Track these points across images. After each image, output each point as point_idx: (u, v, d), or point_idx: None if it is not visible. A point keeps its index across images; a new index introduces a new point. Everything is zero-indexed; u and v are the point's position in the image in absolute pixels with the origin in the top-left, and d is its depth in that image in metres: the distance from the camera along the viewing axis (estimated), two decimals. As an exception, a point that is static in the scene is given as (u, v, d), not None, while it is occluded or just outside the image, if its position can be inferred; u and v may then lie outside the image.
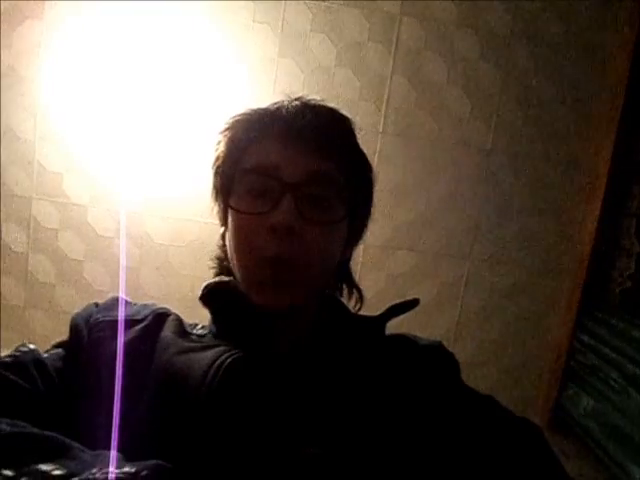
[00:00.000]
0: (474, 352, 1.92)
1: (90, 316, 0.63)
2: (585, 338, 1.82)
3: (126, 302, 0.67)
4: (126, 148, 1.79)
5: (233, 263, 0.62)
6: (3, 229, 1.84)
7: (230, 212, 0.61)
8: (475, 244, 1.91)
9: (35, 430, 0.48)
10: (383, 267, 1.85)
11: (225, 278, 0.64)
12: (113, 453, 0.47)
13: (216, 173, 0.66)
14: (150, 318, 0.64)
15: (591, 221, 1.85)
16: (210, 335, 0.64)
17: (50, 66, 1.76)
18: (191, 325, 0.67)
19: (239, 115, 0.65)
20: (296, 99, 0.64)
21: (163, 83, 1.77)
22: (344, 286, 0.71)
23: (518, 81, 1.84)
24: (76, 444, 0.48)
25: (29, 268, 1.87)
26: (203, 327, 0.66)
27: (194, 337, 0.63)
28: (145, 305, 0.67)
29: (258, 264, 0.57)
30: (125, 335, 0.60)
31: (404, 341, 0.66)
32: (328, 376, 0.57)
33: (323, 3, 1.77)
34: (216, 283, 0.64)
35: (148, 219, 1.84)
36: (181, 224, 1.84)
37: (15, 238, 1.85)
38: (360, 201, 0.65)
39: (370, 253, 1.80)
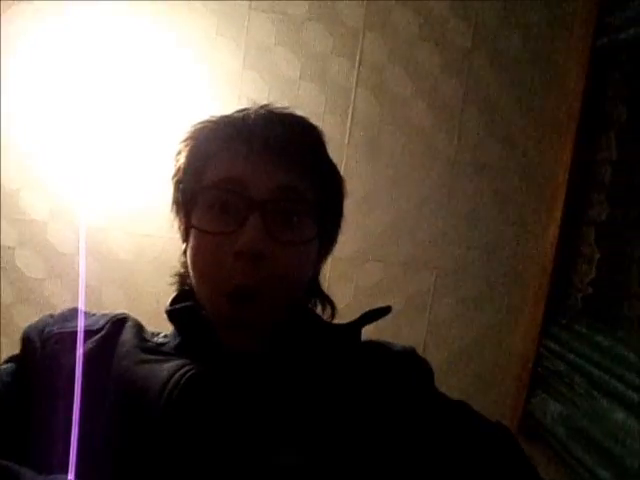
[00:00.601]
0: (442, 362, 1.93)
1: (44, 328, 0.59)
2: (550, 344, 1.85)
3: (84, 313, 0.63)
4: (86, 161, 1.75)
5: (195, 285, 0.58)
6: (-44, 248, 1.76)
7: (192, 230, 0.57)
8: (442, 254, 1.93)
9: None
10: (351, 279, 1.84)
11: (187, 303, 0.60)
12: (67, 478, 0.44)
13: (176, 186, 0.61)
14: (108, 327, 0.60)
15: (552, 229, 1.90)
16: (171, 344, 0.60)
17: (5, 79, 1.71)
18: (153, 333, 0.64)
19: (201, 123, 0.61)
20: (262, 107, 0.60)
21: (125, 95, 1.73)
22: (315, 300, 0.68)
23: (480, 93, 1.88)
24: (25, 469, 0.45)
25: (-16, 288, 1.79)
26: (165, 336, 0.63)
27: (152, 345, 0.60)
28: (103, 314, 0.63)
29: (221, 294, 0.53)
30: (82, 347, 0.57)
31: (378, 347, 0.63)
32: (298, 384, 0.55)
33: (287, 17, 1.78)
34: (179, 309, 0.61)
35: (110, 234, 1.79)
36: (144, 239, 1.79)
37: (-31, 257, 1.77)
38: (331, 215, 0.62)
39: (338, 265, 1.80)
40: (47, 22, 1.70)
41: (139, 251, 1.80)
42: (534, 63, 1.88)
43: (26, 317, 1.80)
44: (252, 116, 0.58)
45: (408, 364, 0.62)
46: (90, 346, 0.57)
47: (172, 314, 0.62)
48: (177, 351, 0.58)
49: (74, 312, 0.62)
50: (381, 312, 0.62)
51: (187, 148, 0.60)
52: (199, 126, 0.61)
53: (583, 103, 1.82)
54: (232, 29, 1.76)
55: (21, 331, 0.61)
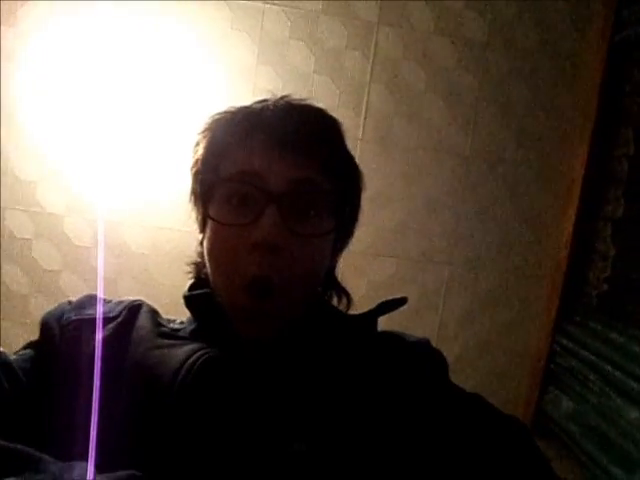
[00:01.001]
0: (455, 357, 1.92)
1: (62, 315, 0.60)
2: (564, 341, 1.84)
3: (101, 300, 0.63)
4: (102, 155, 1.76)
5: (211, 275, 0.58)
6: (-25, 240, 1.79)
7: (209, 221, 0.57)
8: (455, 250, 1.92)
9: None
10: (364, 274, 1.85)
11: (205, 290, 0.61)
12: (86, 466, 0.44)
13: (194, 178, 0.61)
14: (124, 313, 0.60)
15: (567, 225, 1.88)
16: (187, 330, 0.61)
17: (23, 74, 1.73)
18: (168, 320, 0.64)
19: (219, 114, 0.60)
20: (281, 98, 0.60)
21: (141, 90, 1.74)
22: (331, 292, 0.68)
23: (495, 88, 1.86)
24: (45, 456, 0.45)
25: (3, 280, 1.82)
26: (182, 322, 0.63)
27: (168, 330, 0.60)
28: (120, 301, 0.63)
29: (239, 287, 0.53)
30: (100, 333, 0.57)
31: (393, 337, 0.64)
32: (313, 372, 0.55)
33: (301, 11, 1.78)
34: (196, 295, 0.61)
35: (126, 228, 1.81)
36: (160, 232, 1.81)
37: (-12, 249, 1.80)
38: (348, 208, 0.61)
39: (351, 260, 1.80)
40: (63, 17, 1.71)
41: (154, 244, 1.82)
42: (550, 58, 1.86)
43: (42, 308, 1.82)
44: (270, 107, 0.58)
45: (423, 355, 0.62)
46: (108, 332, 0.58)
47: (189, 300, 0.62)
48: (192, 336, 0.59)
49: (91, 299, 0.62)
50: (397, 303, 0.62)
51: (205, 140, 0.60)
52: (217, 117, 0.60)
53: (600, 98, 1.80)
54: (247, 23, 1.77)
55: (37, 322, 0.61)
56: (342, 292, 0.67)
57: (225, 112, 0.60)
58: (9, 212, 1.79)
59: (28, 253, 1.82)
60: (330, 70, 1.81)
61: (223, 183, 0.56)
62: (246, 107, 0.59)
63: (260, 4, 1.76)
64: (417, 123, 1.85)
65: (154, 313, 0.63)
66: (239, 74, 1.78)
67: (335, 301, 0.67)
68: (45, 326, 0.59)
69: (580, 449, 1.65)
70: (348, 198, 0.61)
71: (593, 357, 1.68)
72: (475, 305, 1.95)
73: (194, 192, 0.62)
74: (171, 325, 0.62)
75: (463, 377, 1.98)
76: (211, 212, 0.56)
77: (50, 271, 1.83)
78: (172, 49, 1.75)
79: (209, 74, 1.77)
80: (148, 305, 0.64)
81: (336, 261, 0.67)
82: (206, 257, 0.58)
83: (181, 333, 0.60)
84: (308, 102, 0.60)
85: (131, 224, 1.80)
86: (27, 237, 1.81)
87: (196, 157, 0.61)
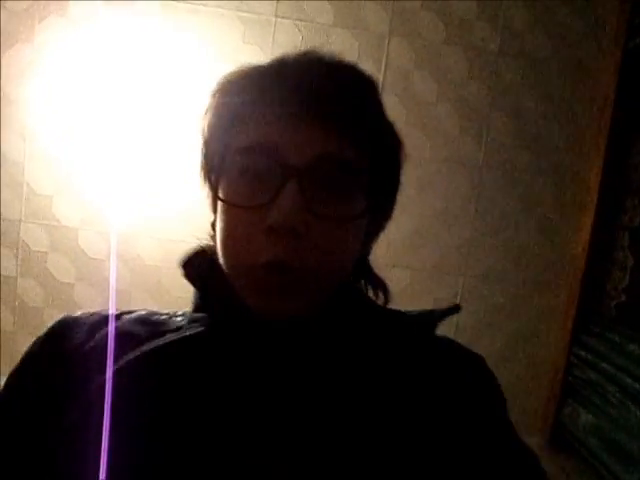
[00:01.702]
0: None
1: (38, 351, 0.54)
2: (582, 353, 1.81)
3: (73, 321, 0.55)
4: (116, 169, 1.78)
5: (223, 262, 0.50)
6: (-9, 253, 1.82)
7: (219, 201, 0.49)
8: (469, 260, 1.90)
9: None
10: (377, 285, 1.83)
11: (203, 249, 0.54)
12: None
13: (204, 149, 0.53)
14: (94, 338, 0.51)
15: (584, 235, 1.85)
16: (186, 317, 0.54)
17: (40, 89, 1.76)
18: (168, 314, 0.57)
19: (232, 74, 0.51)
20: (305, 53, 0.50)
21: (154, 104, 1.76)
22: (365, 283, 0.59)
23: (507, 97, 1.85)
24: None
25: (18, 292, 1.84)
26: (184, 314, 0.56)
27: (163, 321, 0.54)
28: (92, 322, 0.54)
29: (251, 270, 0.46)
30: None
31: (448, 344, 0.57)
32: (334, 368, 0.47)
33: (313, 24, 1.79)
34: (195, 254, 0.55)
35: (139, 241, 1.82)
36: (173, 245, 1.82)
37: (4, 262, 1.82)
38: (385, 186, 0.52)
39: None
40: (79, 34, 1.74)
41: (167, 256, 1.83)
42: (563, 65, 1.85)
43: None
44: (291, 64, 0.49)
45: (477, 377, 0.55)
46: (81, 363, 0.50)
47: (187, 266, 0.55)
48: (196, 311, 0.53)
49: (68, 323, 0.55)
50: (451, 311, 0.57)
51: (215, 104, 0.51)
52: (229, 77, 0.51)
53: (615, 105, 1.78)
54: (259, 37, 1.78)
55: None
56: (377, 283, 0.59)
57: (238, 71, 0.51)
58: (25, 225, 1.81)
59: (43, 266, 1.83)
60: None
61: (234, 156, 0.47)
62: (263, 65, 0.50)
63: (272, 17, 1.78)
64: (429, 133, 1.84)
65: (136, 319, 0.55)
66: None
67: (370, 293, 0.58)
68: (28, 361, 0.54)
69: (600, 463, 1.62)
70: (385, 174, 0.51)
71: (611, 369, 1.65)
72: (490, 317, 1.92)
73: (203, 167, 0.53)
74: (163, 318, 0.55)
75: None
76: (221, 191, 0.48)
77: (65, 284, 1.85)
78: (184, 63, 1.76)
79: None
80: (126, 316, 0.55)
81: (370, 247, 0.58)
82: (218, 242, 0.51)
83: (175, 321, 0.53)
84: (337, 57, 0.50)
85: (144, 236, 1.82)
86: (43, 250, 1.83)
87: (204, 124, 0.52)
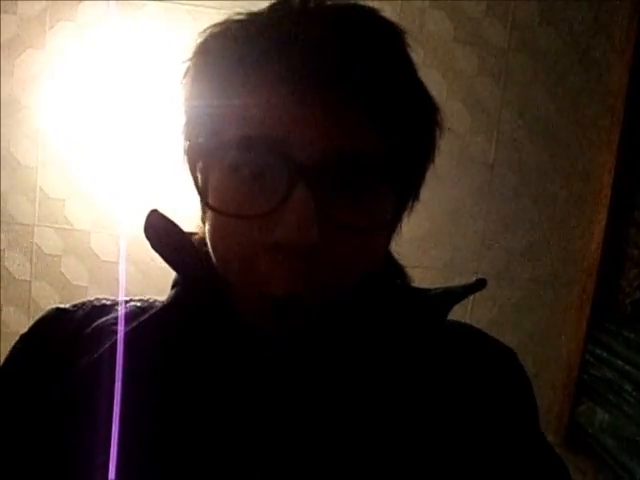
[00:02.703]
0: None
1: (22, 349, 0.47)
2: (597, 351, 1.79)
3: (60, 313, 0.50)
4: (127, 173, 1.79)
5: (218, 268, 0.40)
6: (5, 257, 1.84)
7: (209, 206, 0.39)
8: (481, 259, 1.89)
9: None
10: (389, 284, 1.83)
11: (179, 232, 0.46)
12: None
13: (184, 133, 0.42)
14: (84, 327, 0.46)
15: (598, 231, 1.83)
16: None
17: (51, 94, 1.78)
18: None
19: (217, 28, 0.39)
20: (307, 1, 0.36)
21: (164, 107, 1.77)
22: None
23: (518, 93, 1.84)
24: None
25: (32, 295, 1.86)
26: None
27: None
28: (75, 310, 0.50)
29: (258, 299, 0.37)
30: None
31: (473, 336, 0.48)
32: (352, 370, 0.39)
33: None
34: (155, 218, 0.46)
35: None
36: (184, 247, 1.82)
37: (17, 266, 1.84)
38: (418, 173, 0.41)
39: (375, 271, 1.78)
40: (90, 39, 1.76)
41: (178, 258, 1.83)
42: (574, 61, 1.83)
43: (71, 324, 1.86)
44: (295, 21, 0.35)
45: (512, 377, 0.48)
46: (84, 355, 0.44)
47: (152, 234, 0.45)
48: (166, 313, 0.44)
49: (56, 313, 0.52)
50: (473, 288, 0.45)
51: (196, 72, 0.39)
52: (214, 32, 0.39)
53: (627, 101, 1.76)
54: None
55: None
56: (395, 268, 0.49)
57: (227, 23, 0.39)
58: (39, 229, 1.83)
59: (57, 269, 1.85)
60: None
61: (226, 149, 0.36)
62: (256, 17, 0.37)
63: (280, 18, 1.78)
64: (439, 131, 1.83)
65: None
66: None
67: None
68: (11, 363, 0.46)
69: (617, 463, 1.60)
70: (418, 159, 0.42)
71: (628, 367, 1.63)
72: (503, 315, 1.91)
73: (187, 154, 0.43)
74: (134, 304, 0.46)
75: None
76: (210, 195, 0.38)
77: (78, 286, 1.86)
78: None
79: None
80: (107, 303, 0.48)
81: (393, 234, 0.49)
82: (210, 251, 0.41)
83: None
84: (351, 4, 0.37)
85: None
86: (56, 253, 1.84)
87: (184, 97, 0.41)
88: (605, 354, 1.75)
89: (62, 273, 1.85)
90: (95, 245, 1.84)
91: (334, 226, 0.34)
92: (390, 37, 0.39)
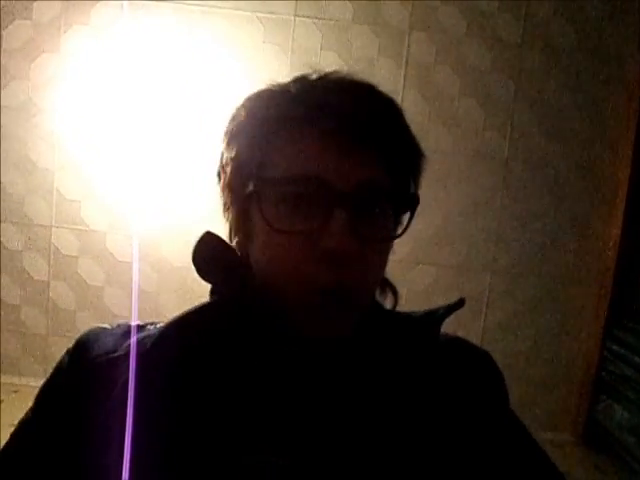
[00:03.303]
0: (500, 367, 1.87)
1: (62, 377, 0.52)
2: (615, 347, 1.77)
3: (101, 332, 0.55)
4: (142, 174, 1.81)
5: (267, 280, 0.50)
6: (24, 258, 1.86)
7: (259, 225, 0.49)
8: (497, 256, 1.87)
9: None
10: (404, 283, 1.82)
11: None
12: None
13: (234, 173, 0.52)
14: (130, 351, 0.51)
15: (614, 227, 1.81)
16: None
17: (66, 97, 1.80)
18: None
19: (261, 95, 0.52)
20: (327, 75, 0.52)
21: (177, 108, 1.78)
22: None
23: (531, 89, 1.82)
24: None
25: (50, 295, 1.88)
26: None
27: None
28: (124, 331, 0.55)
29: (305, 295, 0.47)
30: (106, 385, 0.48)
31: (457, 345, 0.58)
32: (373, 378, 0.50)
33: (332, 21, 1.78)
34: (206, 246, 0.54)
35: (165, 243, 1.84)
36: (199, 246, 1.84)
37: (36, 266, 1.87)
38: (410, 200, 0.53)
39: (388, 269, 1.78)
40: (103, 41, 1.77)
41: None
42: (588, 56, 1.80)
43: (88, 322, 1.88)
44: (321, 88, 0.50)
45: (487, 374, 0.58)
46: (121, 378, 0.50)
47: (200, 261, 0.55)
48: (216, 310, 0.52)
49: (95, 335, 0.56)
50: (457, 305, 0.56)
51: (244, 125, 0.51)
52: (255, 100, 0.52)
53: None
54: (278, 37, 1.78)
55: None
56: (387, 286, 0.59)
57: (267, 92, 0.52)
58: (56, 230, 1.85)
59: (74, 269, 1.87)
60: (363, 78, 1.80)
61: (277, 185, 0.48)
62: (287, 89, 0.51)
63: (291, 17, 1.78)
64: (453, 127, 1.82)
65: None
66: (272, 87, 1.79)
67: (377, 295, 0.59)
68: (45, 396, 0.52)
69: (636, 460, 1.58)
70: (411, 190, 0.54)
71: (647, 364, 1.61)
72: (519, 312, 1.89)
73: (230, 187, 0.53)
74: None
75: (509, 386, 1.93)
76: (266, 216, 0.48)
77: (95, 287, 1.88)
78: (206, 66, 1.78)
79: (243, 89, 1.79)
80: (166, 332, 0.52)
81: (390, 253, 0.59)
82: (258, 264, 0.51)
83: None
84: (358, 78, 0.52)
85: (170, 239, 1.84)
86: (73, 254, 1.87)
87: (235, 147, 0.52)
88: (623, 351, 1.73)
89: (78, 273, 1.88)
90: (111, 246, 1.86)
91: (361, 238, 0.47)
92: (391, 105, 0.52)
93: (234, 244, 0.55)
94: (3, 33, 1.77)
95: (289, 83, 0.52)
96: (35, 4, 1.76)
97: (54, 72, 1.79)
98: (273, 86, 0.53)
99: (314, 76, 0.52)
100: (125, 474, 0.44)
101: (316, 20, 1.78)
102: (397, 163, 0.50)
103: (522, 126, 1.83)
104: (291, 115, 0.48)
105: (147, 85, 1.77)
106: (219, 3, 1.76)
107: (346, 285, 0.46)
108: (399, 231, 0.52)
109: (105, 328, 0.57)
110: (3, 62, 1.77)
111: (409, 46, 1.80)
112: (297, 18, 1.78)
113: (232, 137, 0.53)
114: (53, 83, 1.79)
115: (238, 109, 0.54)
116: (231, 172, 0.52)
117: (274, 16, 1.78)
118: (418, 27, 1.79)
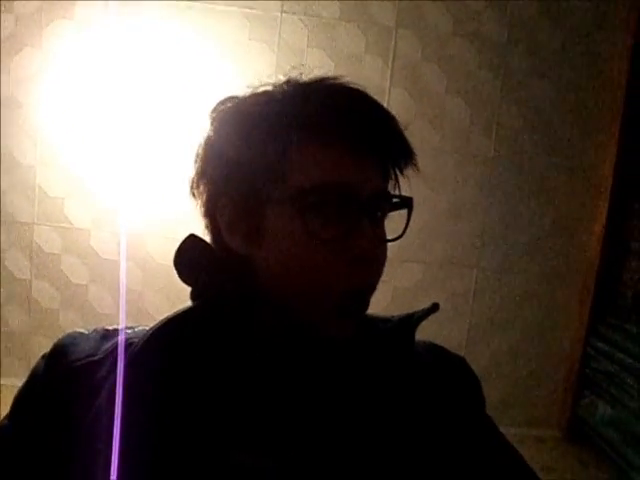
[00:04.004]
0: (486, 363, 1.88)
1: (38, 381, 0.52)
2: (599, 344, 1.79)
3: (78, 336, 0.55)
4: (126, 170, 1.79)
5: (288, 290, 0.50)
6: (5, 256, 1.83)
7: (285, 229, 0.49)
8: (482, 253, 1.88)
9: None
10: (390, 280, 1.82)
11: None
12: None
13: (245, 182, 0.50)
14: (110, 358, 0.50)
15: (598, 224, 1.83)
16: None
17: (49, 92, 1.77)
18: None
19: (259, 99, 0.54)
20: (322, 79, 0.54)
21: (162, 104, 1.77)
22: None
23: (517, 88, 1.83)
24: None
25: (33, 294, 1.85)
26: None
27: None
28: (102, 335, 0.54)
29: (330, 296, 0.48)
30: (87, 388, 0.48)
31: (432, 351, 0.60)
32: (367, 382, 0.52)
33: (319, 19, 1.78)
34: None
35: (150, 240, 1.82)
36: (184, 244, 1.82)
37: (18, 265, 1.84)
38: (408, 202, 0.58)
39: (376, 266, 1.78)
40: (86, 35, 1.75)
41: (178, 256, 1.83)
42: (574, 55, 1.82)
43: (71, 321, 1.86)
44: (335, 92, 0.53)
45: (463, 380, 0.59)
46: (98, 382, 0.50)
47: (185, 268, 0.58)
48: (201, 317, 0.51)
49: (71, 339, 0.55)
50: (430, 310, 0.57)
51: (252, 131, 0.51)
52: (263, 105, 0.52)
53: (627, 94, 1.76)
54: (265, 34, 1.77)
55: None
56: None
57: (264, 96, 0.54)
58: (38, 228, 1.83)
59: (57, 267, 1.85)
60: (350, 76, 1.79)
61: (308, 193, 0.47)
62: (294, 94, 0.53)
63: (277, 14, 1.77)
64: (439, 126, 1.83)
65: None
66: (259, 84, 1.78)
67: None
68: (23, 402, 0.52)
69: (619, 455, 1.60)
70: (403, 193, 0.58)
71: (630, 360, 1.63)
72: (505, 309, 1.91)
73: (229, 187, 0.52)
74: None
75: (494, 383, 1.95)
76: (297, 224, 0.48)
77: (78, 285, 1.86)
78: (192, 63, 1.76)
79: (229, 86, 1.78)
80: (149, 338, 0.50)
81: None
82: (272, 267, 0.50)
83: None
84: (352, 83, 0.54)
85: (155, 236, 1.82)
86: (56, 252, 1.84)
87: (247, 153, 0.50)
88: (607, 347, 1.75)
89: (62, 271, 1.85)
90: (95, 243, 1.84)
91: (381, 242, 0.51)
92: (389, 112, 0.52)
93: (232, 245, 0.53)
94: (-16, 27, 1.74)
95: (287, 88, 0.54)
96: (17, -3, 1.73)
97: (37, 67, 1.76)
98: (266, 90, 0.55)
99: (330, 81, 0.54)
100: (113, 473, 0.44)
101: (303, 17, 1.77)
102: (396, 170, 0.54)
103: (508, 125, 1.84)
104: (316, 121, 0.49)
105: (131, 81, 1.75)
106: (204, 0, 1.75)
107: (373, 286, 0.51)
108: (403, 231, 0.55)
109: (82, 333, 0.56)
110: (-16, 56, 1.74)
111: (396, 44, 1.80)
112: (284, 15, 1.77)
113: (236, 137, 0.52)
114: (36, 78, 1.76)
115: (239, 109, 0.55)
116: (232, 173, 0.51)
117: (260, 13, 1.77)
118: (405, 25, 1.79)
